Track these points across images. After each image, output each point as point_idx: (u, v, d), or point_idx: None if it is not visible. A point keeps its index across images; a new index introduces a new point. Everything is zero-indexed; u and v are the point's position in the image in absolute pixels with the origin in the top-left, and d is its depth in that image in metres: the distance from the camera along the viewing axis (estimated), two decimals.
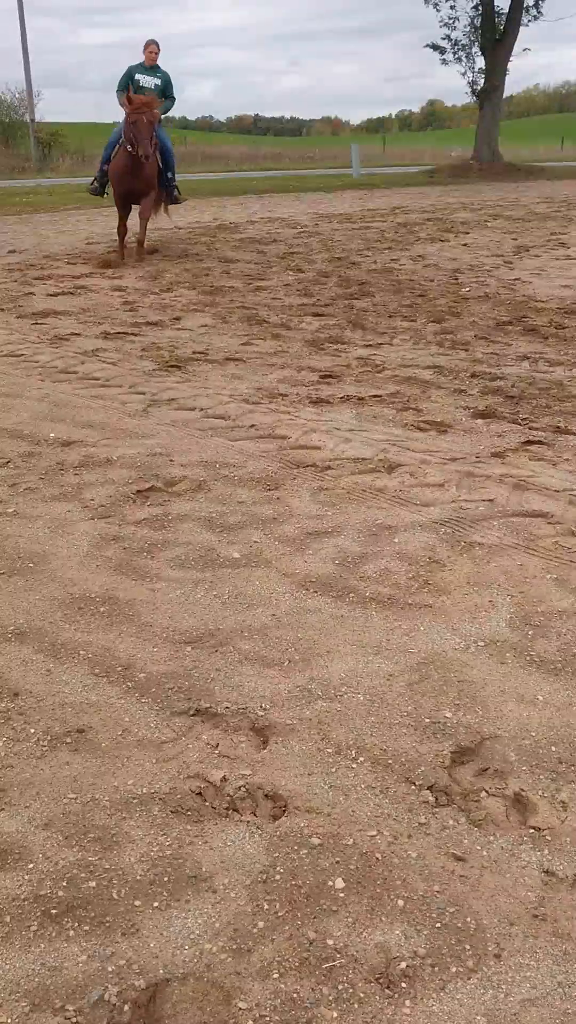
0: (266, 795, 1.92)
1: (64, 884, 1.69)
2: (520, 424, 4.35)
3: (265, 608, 2.68)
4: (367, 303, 7.48)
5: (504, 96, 31.67)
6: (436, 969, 1.53)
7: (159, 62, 10.00)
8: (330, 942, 1.57)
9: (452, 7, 30.79)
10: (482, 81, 29.54)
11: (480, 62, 29.54)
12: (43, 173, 29.28)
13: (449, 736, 2.10)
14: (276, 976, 1.51)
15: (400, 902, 1.65)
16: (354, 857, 1.75)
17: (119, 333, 6.41)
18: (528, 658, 2.42)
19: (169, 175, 10.16)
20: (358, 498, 3.46)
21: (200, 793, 1.92)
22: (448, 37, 30.14)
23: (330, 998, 1.48)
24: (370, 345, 6.03)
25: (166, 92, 10.04)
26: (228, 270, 9.31)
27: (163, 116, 9.87)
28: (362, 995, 1.48)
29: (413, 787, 1.94)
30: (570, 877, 1.72)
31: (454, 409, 4.61)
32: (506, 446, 4.05)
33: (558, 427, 4.30)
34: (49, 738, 2.11)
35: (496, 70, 28.99)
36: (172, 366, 5.48)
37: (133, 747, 2.08)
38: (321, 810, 1.87)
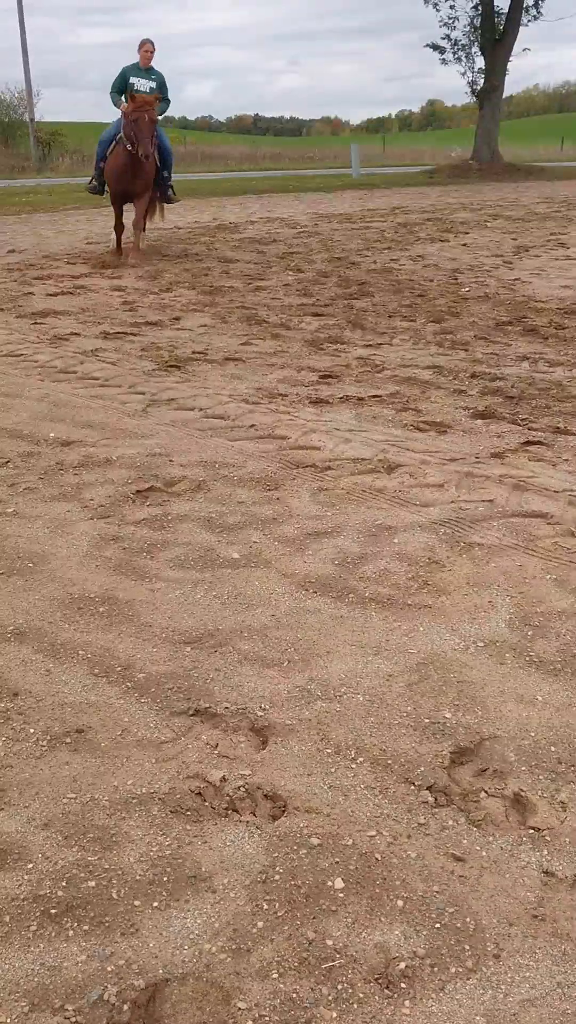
0: (265, 795, 1.92)
1: (63, 884, 1.69)
2: (520, 424, 4.35)
3: (265, 608, 2.68)
4: (367, 303, 7.48)
5: (504, 96, 31.66)
6: (435, 969, 1.53)
7: (153, 62, 9.93)
8: (329, 942, 1.57)
9: (452, 7, 30.90)
10: (482, 81, 29.52)
11: (480, 62, 29.58)
12: (43, 173, 29.30)
13: (448, 736, 2.10)
14: (275, 976, 1.51)
15: (399, 902, 1.66)
16: (353, 857, 1.75)
17: (118, 333, 6.41)
18: (527, 658, 2.42)
19: (165, 174, 10.14)
20: (358, 498, 3.46)
21: (199, 793, 1.92)
22: (448, 37, 30.19)
23: (329, 998, 1.48)
24: (370, 345, 6.03)
25: (161, 94, 10.01)
26: (228, 270, 9.31)
27: (159, 118, 9.84)
28: (361, 995, 1.48)
29: (412, 787, 1.94)
30: (569, 877, 1.72)
31: (454, 409, 4.61)
32: (506, 446, 4.05)
33: (558, 428, 4.30)
34: (48, 738, 2.11)
35: (496, 70, 28.98)
36: (171, 366, 5.48)
37: (132, 747, 2.08)
38: (320, 810, 1.87)
